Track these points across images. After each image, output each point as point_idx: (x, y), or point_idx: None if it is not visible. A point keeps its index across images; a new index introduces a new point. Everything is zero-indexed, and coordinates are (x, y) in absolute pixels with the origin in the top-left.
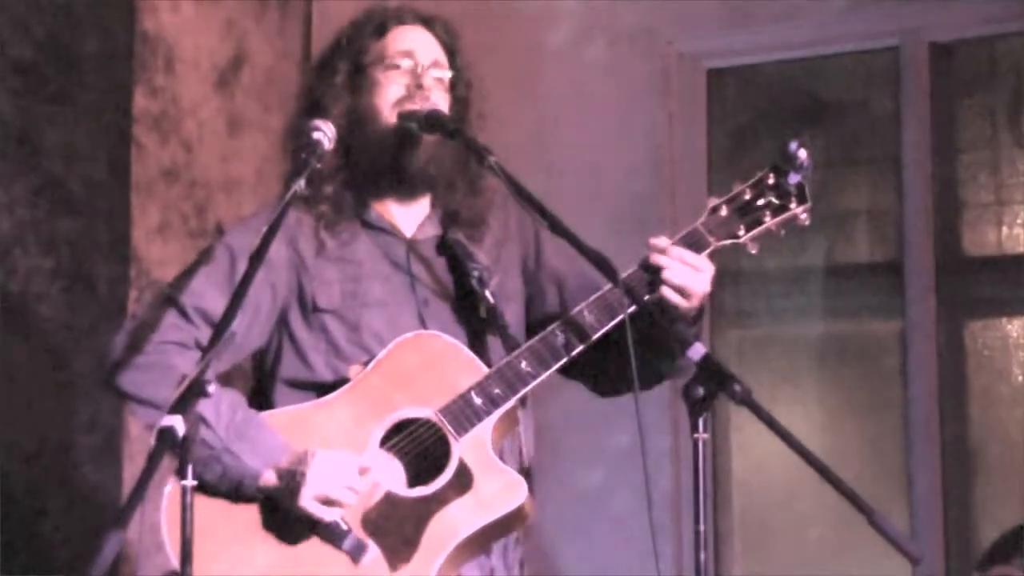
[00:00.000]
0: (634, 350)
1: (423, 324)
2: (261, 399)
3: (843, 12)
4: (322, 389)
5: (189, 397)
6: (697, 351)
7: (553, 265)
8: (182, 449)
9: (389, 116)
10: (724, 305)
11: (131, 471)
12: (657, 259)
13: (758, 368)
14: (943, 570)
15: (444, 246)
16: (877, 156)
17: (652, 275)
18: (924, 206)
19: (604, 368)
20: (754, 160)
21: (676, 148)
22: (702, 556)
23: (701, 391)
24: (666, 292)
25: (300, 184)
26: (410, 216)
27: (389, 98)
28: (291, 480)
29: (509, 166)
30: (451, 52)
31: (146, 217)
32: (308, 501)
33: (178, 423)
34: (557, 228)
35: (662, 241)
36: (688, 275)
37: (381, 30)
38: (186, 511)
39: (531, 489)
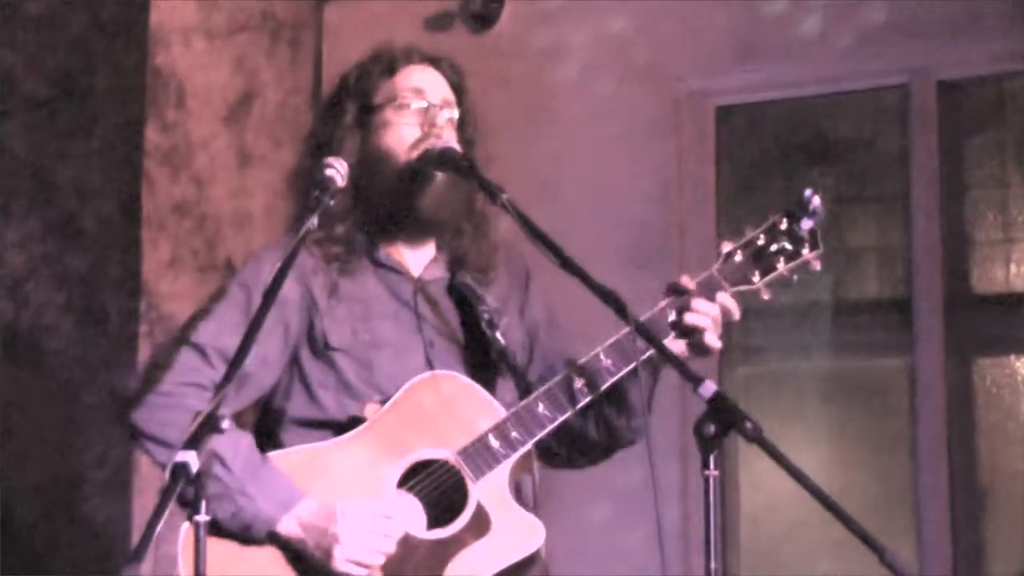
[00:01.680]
0: (603, 412)
1: (429, 365)
2: (266, 439)
3: (851, 50)
4: (332, 427)
5: (203, 433)
6: (708, 388)
7: (533, 318)
8: (196, 485)
9: (403, 157)
10: (732, 341)
11: (140, 505)
12: (691, 319)
13: (766, 404)
14: None
15: (452, 288)
16: (885, 193)
17: (675, 328)
18: (932, 243)
19: (576, 434)
20: (762, 197)
21: (685, 185)
22: None
23: (712, 428)
24: (687, 346)
25: (313, 222)
26: (417, 257)
27: (403, 139)
28: (322, 538)
29: (518, 202)
30: (458, 91)
31: (157, 252)
32: (342, 563)
33: (192, 459)
34: (568, 265)
35: (688, 283)
36: (715, 338)
37: (390, 70)
38: (200, 546)
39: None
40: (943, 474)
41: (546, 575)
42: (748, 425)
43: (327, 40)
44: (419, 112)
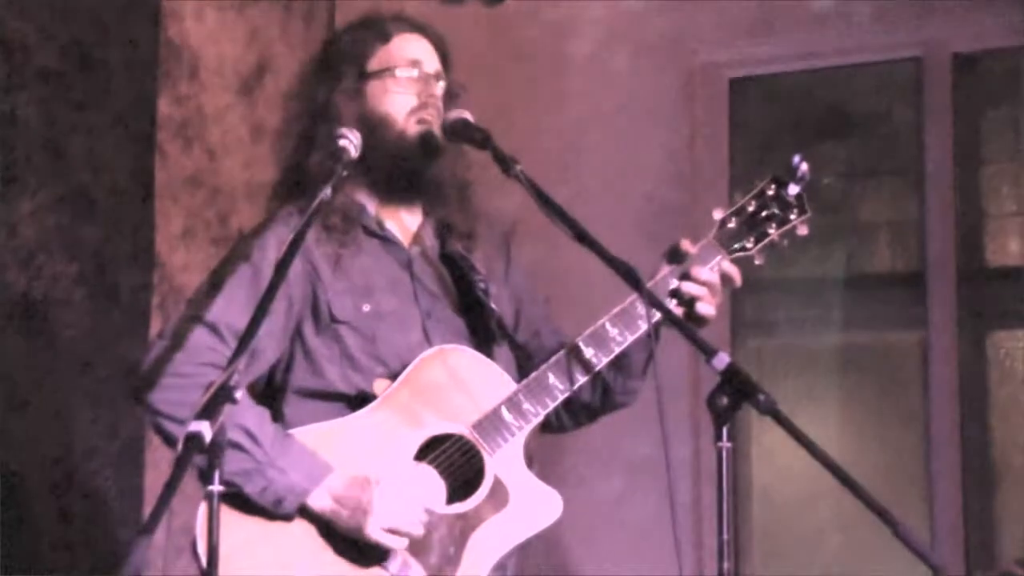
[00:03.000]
0: (603, 376)
1: (427, 336)
2: (268, 410)
3: (866, 23)
4: (336, 398)
5: (216, 403)
6: (721, 360)
7: (517, 284)
8: (209, 454)
9: (401, 124)
10: (745, 315)
11: (153, 477)
12: (690, 289)
13: (778, 378)
14: None
15: (445, 257)
16: (899, 167)
17: (675, 296)
18: (946, 217)
19: (572, 398)
20: (776, 169)
21: (698, 157)
22: (726, 566)
23: (725, 400)
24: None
25: (327, 192)
26: (408, 224)
27: (403, 107)
28: (356, 509)
29: (532, 175)
30: (445, 61)
31: (170, 224)
32: (377, 531)
33: (205, 428)
34: (582, 237)
35: (688, 247)
36: (712, 307)
37: (384, 36)
38: (213, 516)
39: None
40: (956, 448)
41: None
42: (761, 397)
43: (340, 12)
44: (414, 81)
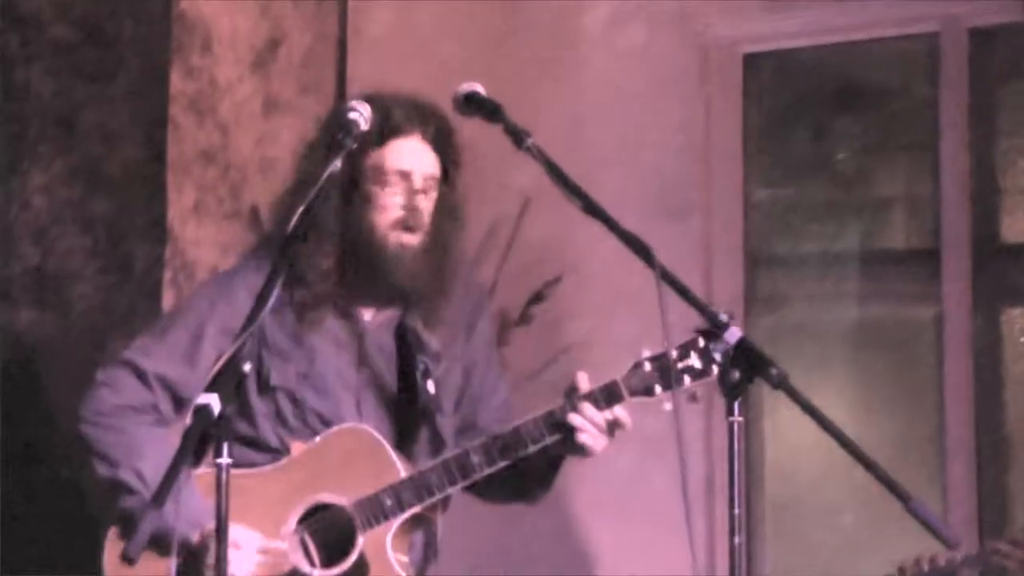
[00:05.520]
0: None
1: (359, 410)
2: (202, 447)
3: None
4: (266, 448)
5: (225, 375)
6: (733, 334)
7: (471, 358)
8: (218, 428)
9: (383, 234)
10: (758, 291)
11: None
12: (573, 419)
13: (791, 354)
14: None
15: (399, 329)
16: (915, 142)
17: (561, 428)
18: (962, 192)
19: (496, 486)
20: (790, 145)
21: (711, 133)
22: (737, 540)
23: (737, 375)
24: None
25: (336, 165)
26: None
27: (385, 217)
28: (204, 548)
29: (544, 149)
30: (444, 155)
31: (182, 198)
32: (210, 571)
33: (214, 401)
34: (594, 211)
35: (583, 383)
36: (595, 440)
37: (380, 139)
38: (221, 489)
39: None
40: (969, 424)
41: None
42: (773, 371)
43: None
44: (403, 192)
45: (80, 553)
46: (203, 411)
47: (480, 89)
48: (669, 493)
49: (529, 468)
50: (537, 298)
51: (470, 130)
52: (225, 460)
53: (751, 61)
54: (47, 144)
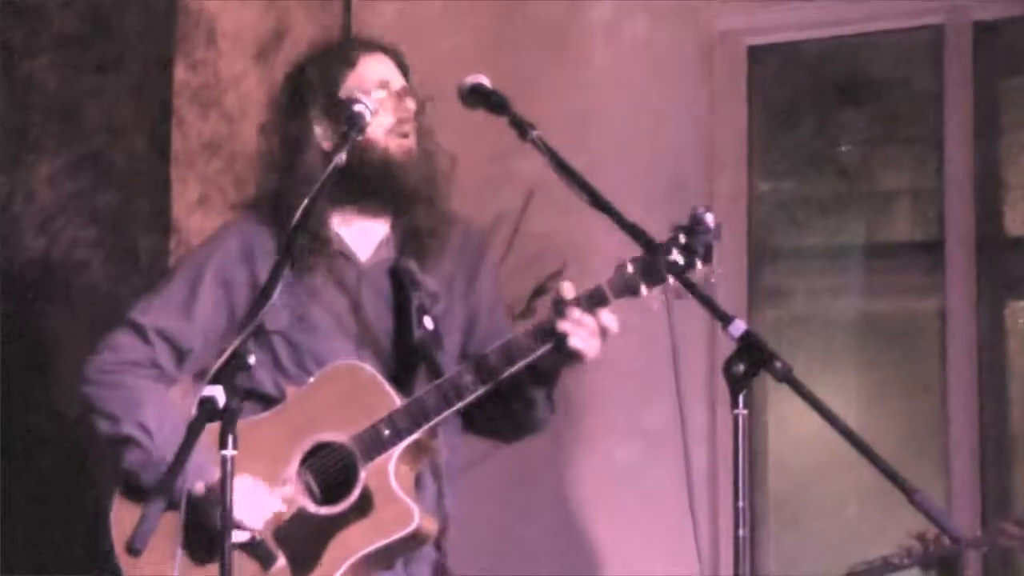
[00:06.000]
0: (505, 403)
1: (358, 350)
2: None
3: None
4: (264, 399)
5: (230, 368)
6: (738, 327)
7: (477, 300)
8: (223, 419)
9: (387, 144)
10: (762, 284)
11: None
12: (562, 325)
13: (795, 347)
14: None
15: (394, 271)
16: (919, 135)
17: (551, 336)
18: (965, 185)
19: (498, 414)
20: (795, 137)
21: (716, 126)
22: (741, 533)
23: (742, 367)
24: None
25: (341, 157)
26: (369, 237)
27: (380, 126)
28: (214, 498)
29: (549, 141)
30: (407, 75)
31: (187, 189)
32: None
33: (219, 393)
34: (598, 203)
35: (568, 291)
36: (587, 343)
37: (350, 62)
38: (226, 480)
39: (445, 512)
40: (973, 418)
41: (442, 563)
42: (778, 364)
43: None
44: (387, 100)
45: (80, 553)
46: (208, 403)
47: (485, 81)
48: (673, 487)
49: (526, 390)
50: (540, 291)
51: (474, 122)
52: (230, 452)
53: (756, 54)
54: (52, 136)
